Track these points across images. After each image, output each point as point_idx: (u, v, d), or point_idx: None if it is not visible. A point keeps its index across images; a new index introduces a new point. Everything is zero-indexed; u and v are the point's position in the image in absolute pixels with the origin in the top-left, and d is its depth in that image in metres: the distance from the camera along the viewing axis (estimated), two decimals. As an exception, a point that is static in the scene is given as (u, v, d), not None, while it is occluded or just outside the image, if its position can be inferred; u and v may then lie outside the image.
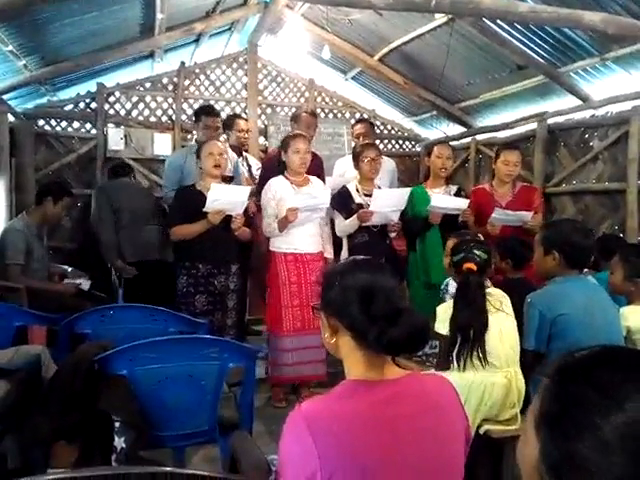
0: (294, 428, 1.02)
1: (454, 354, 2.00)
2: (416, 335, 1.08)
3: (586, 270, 2.56)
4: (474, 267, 2.07)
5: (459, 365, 1.99)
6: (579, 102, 4.37)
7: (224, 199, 2.97)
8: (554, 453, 0.55)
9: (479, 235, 2.76)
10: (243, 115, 5.18)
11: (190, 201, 3.09)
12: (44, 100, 5.11)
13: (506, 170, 3.37)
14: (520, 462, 0.62)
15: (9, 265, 3.23)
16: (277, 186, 3.24)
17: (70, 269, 3.81)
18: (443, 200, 3.34)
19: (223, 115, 5.43)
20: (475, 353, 1.98)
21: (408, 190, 3.34)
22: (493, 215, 3.22)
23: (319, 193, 3.24)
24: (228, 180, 3.60)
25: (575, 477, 0.53)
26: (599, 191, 4.23)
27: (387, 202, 3.23)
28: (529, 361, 2.12)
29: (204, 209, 2.96)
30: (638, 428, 0.52)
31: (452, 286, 2.81)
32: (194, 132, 3.97)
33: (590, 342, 1.86)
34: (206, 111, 3.98)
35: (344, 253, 3.41)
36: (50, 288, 3.44)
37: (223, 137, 4.19)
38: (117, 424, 1.83)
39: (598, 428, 0.52)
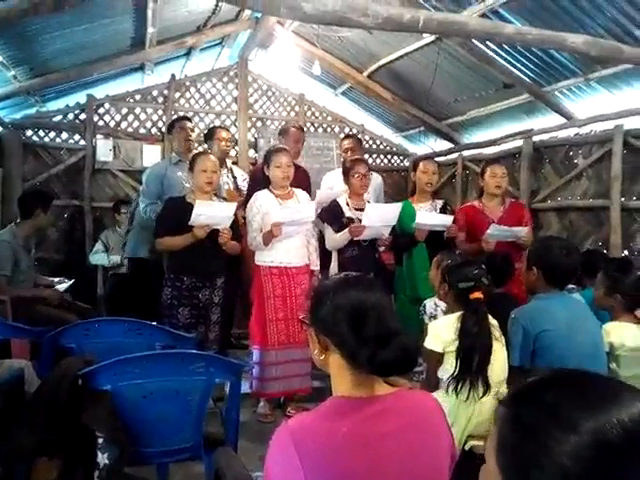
0: (280, 444, 1.02)
1: (451, 382, 1.95)
2: (407, 357, 1.08)
3: (572, 286, 2.60)
4: (482, 297, 2.03)
5: (457, 393, 1.94)
6: (564, 120, 4.46)
7: (209, 214, 2.97)
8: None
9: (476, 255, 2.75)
10: (231, 128, 5.21)
11: (179, 213, 3.06)
12: (33, 111, 5.10)
13: (494, 182, 3.41)
14: None
15: None
16: (262, 200, 3.25)
17: (57, 279, 3.80)
18: (427, 217, 3.37)
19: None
20: (476, 383, 1.93)
21: (400, 205, 3.36)
22: (488, 232, 3.23)
23: (303, 207, 3.24)
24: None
25: None
26: (583, 207, 4.30)
27: (379, 217, 3.25)
28: (514, 377, 2.13)
29: (189, 223, 2.96)
30: (594, 451, 0.51)
31: (430, 307, 2.82)
32: (173, 144, 4.13)
33: (573, 358, 1.89)
34: (177, 118, 4.20)
35: (333, 267, 3.41)
36: (35, 295, 3.42)
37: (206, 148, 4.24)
38: (100, 440, 1.80)
39: (554, 454, 0.52)
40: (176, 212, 3.09)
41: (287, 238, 3.22)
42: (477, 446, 2.02)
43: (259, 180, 3.51)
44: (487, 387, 1.94)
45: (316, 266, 3.40)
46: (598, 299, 2.46)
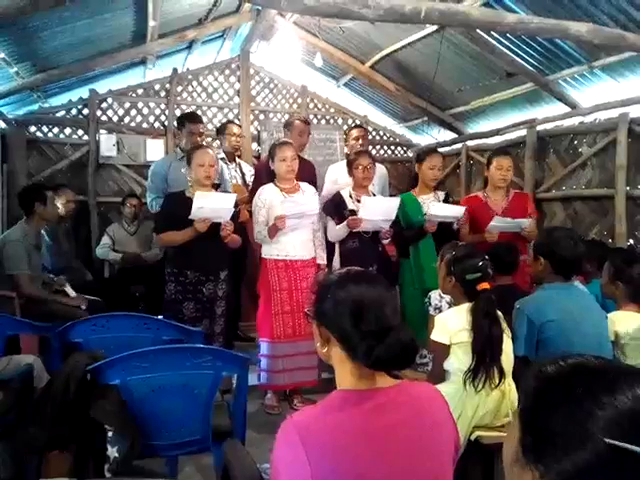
0: (286, 439, 1.03)
1: (469, 375, 1.94)
2: (404, 353, 1.09)
3: (574, 276, 2.60)
4: (489, 286, 2.02)
5: (475, 387, 1.94)
6: (568, 109, 4.42)
7: (209, 207, 2.96)
8: (528, 436, 0.59)
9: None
10: (235, 121, 5.20)
11: (179, 208, 3.06)
12: (36, 107, 5.10)
13: (500, 175, 3.39)
14: (503, 454, 0.65)
15: (18, 275, 3.28)
16: (267, 194, 3.25)
17: (57, 278, 3.81)
18: (442, 209, 3.35)
19: (215, 121, 5.47)
20: (492, 373, 1.93)
21: (397, 200, 3.35)
22: (492, 223, 3.22)
23: (307, 200, 3.24)
24: (215, 187, 3.59)
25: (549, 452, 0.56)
26: (588, 197, 4.28)
27: (376, 210, 3.24)
28: (519, 367, 2.14)
29: (190, 217, 2.95)
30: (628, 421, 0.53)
31: (435, 299, 2.82)
32: (181, 140, 3.99)
33: (578, 348, 1.90)
34: (190, 117, 3.99)
35: (336, 258, 3.43)
36: (58, 301, 3.47)
37: (215, 143, 4.22)
38: (110, 433, 1.83)
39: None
40: (176, 207, 3.09)
41: (292, 231, 3.23)
42: (483, 436, 2.03)
43: (263, 175, 3.51)
44: (502, 376, 1.95)
45: (322, 260, 3.41)
46: (604, 287, 2.48)
